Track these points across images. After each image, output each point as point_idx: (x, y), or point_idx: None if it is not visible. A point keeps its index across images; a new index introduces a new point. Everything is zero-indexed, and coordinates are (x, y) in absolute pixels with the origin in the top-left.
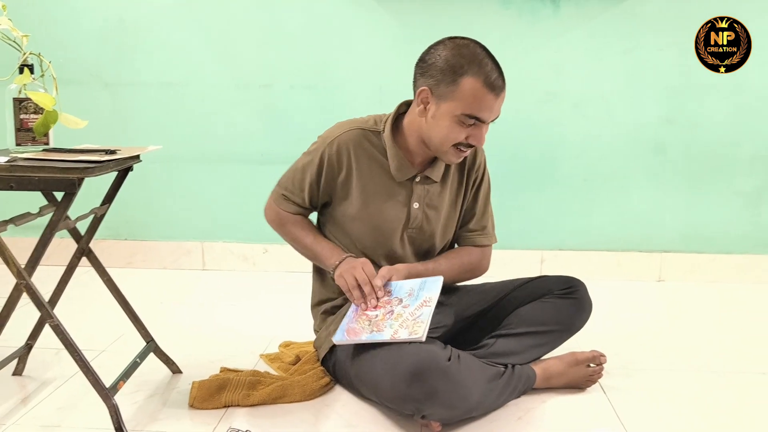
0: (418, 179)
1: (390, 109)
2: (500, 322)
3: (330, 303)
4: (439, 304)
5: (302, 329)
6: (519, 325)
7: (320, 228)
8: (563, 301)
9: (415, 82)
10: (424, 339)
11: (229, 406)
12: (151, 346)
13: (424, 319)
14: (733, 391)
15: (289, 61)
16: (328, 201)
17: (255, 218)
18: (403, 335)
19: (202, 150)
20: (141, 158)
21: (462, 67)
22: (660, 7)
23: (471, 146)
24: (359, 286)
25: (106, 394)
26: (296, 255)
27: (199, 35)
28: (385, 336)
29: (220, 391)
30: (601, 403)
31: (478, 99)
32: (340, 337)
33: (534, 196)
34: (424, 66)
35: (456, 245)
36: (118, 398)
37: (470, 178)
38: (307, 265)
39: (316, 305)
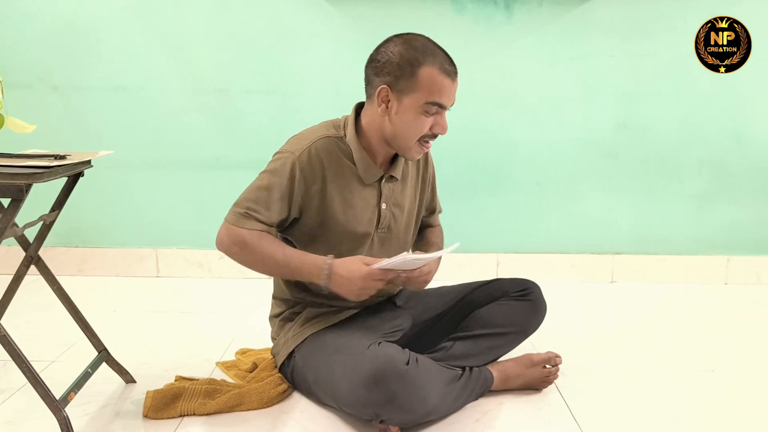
0: (384, 179)
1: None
2: (457, 324)
3: (290, 310)
4: (398, 308)
5: (259, 336)
6: (476, 328)
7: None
8: (519, 304)
9: (369, 83)
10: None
11: (184, 416)
12: (104, 356)
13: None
14: (683, 388)
15: (246, 66)
16: (296, 217)
17: (210, 224)
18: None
19: (156, 155)
20: (92, 163)
21: (417, 59)
22: (610, 14)
23: (434, 137)
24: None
25: (56, 406)
26: None
27: (153, 38)
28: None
29: (176, 401)
30: (556, 404)
31: (438, 85)
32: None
33: (489, 200)
34: (377, 66)
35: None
36: (69, 410)
37: (427, 172)
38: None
39: (275, 315)
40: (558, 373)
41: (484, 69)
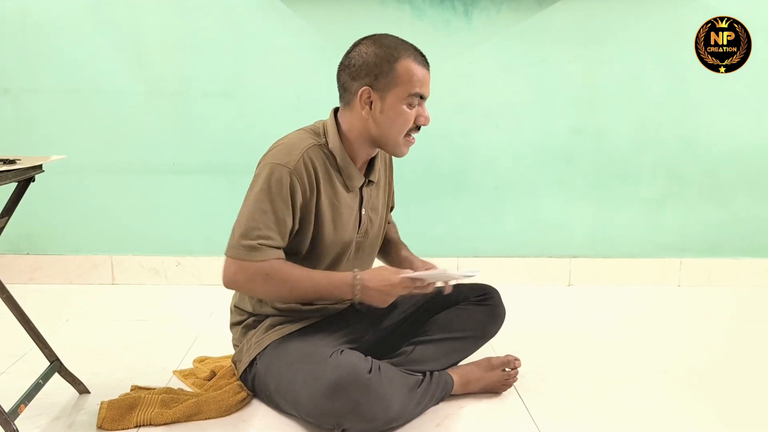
0: (364, 184)
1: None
2: (418, 329)
3: (252, 318)
4: (359, 313)
5: (217, 344)
6: (436, 332)
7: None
8: (478, 308)
9: (346, 89)
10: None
11: (140, 426)
12: (56, 366)
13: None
14: (638, 388)
15: (203, 68)
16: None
17: (167, 229)
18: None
19: (111, 159)
20: (44, 168)
21: (392, 55)
22: (567, 21)
23: (418, 129)
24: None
25: (6, 419)
26: (212, 267)
27: (108, 40)
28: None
29: (131, 411)
30: (516, 406)
31: (417, 76)
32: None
33: (449, 204)
34: (353, 70)
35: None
36: (20, 423)
37: (392, 172)
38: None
39: (237, 323)
40: (517, 376)
41: (444, 74)
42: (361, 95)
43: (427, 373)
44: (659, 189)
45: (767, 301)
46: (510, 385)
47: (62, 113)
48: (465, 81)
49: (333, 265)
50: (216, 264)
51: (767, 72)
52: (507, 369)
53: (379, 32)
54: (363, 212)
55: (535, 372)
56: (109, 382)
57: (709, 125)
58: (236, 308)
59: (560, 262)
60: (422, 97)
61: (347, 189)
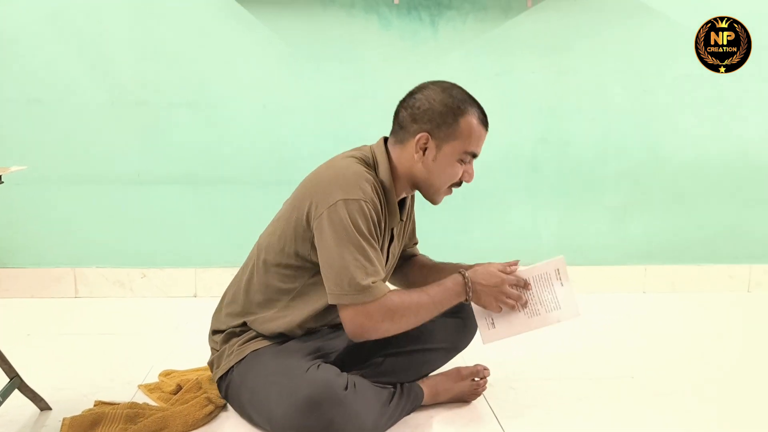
0: (399, 222)
1: (276, 126)
2: (389, 340)
3: (240, 328)
4: (335, 327)
5: (184, 357)
6: (407, 344)
7: (297, 295)
8: (450, 320)
9: (404, 127)
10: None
11: None
12: (16, 382)
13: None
14: (605, 395)
15: (168, 78)
16: None
17: (132, 241)
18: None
19: (75, 170)
20: (2, 179)
21: (459, 108)
22: (532, 31)
23: (460, 184)
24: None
25: None
26: (178, 279)
27: (70, 49)
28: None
29: (95, 427)
30: (485, 415)
31: (476, 136)
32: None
33: (416, 212)
34: (417, 112)
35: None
36: None
37: (413, 211)
38: (189, 289)
39: (219, 330)
40: (486, 385)
41: (411, 84)
42: (419, 139)
43: (398, 386)
44: (624, 197)
45: (730, 307)
46: (479, 394)
47: (23, 123)
48: None
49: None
50: (182, 275)
51: (726, 83)
52: (476, 378)
53: (343, 44)
54: (390, 251)
55: (504, 380)
56: (71, 397)
57: (672, 135)
58: (228, 316)
59: None
60: (474, 156)
61: (387, 225)
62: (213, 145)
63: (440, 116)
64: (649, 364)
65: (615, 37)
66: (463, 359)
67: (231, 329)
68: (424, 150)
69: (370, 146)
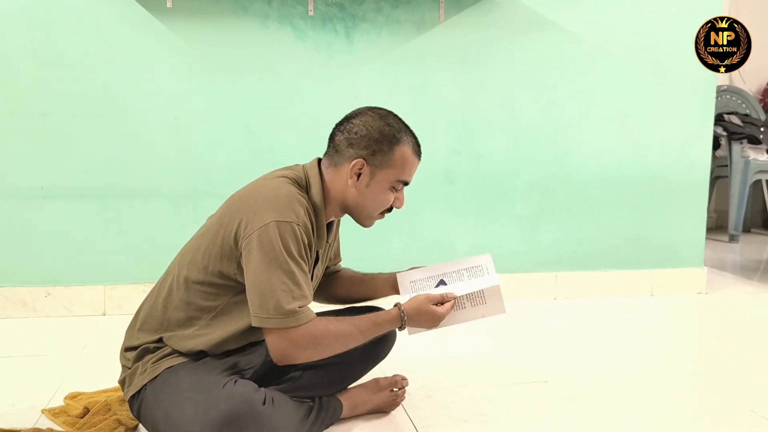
0: (326, 244)
1: (188, 137)
2: None
3: (155, 344)
4: (252, 344)
5: (91, 378)
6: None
7: (219, 314)
8: None
9: (339, 152)
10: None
11: None
12: None
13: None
14: (519, 400)
15: (72, 87)
16: None
17: (35, 258)
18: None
19: None
20: None
21: (395, 137)
22: (444, 46)
23: (390, 210)
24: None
25: None
26: (84, 297)
27: None
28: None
29: None
30: (404, 425)
31: (409, 165)
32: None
33: None
34: (353, 137)
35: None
36: None
37: (338, 233)
38: (97, 308)
39: (134, 347)
40: (405, 395)
41: (327, 95)
42: (354, 165)
43: (317, 399)
44: (534, 207)
45: (635, 311)
46: (398, 404)
47: None
48: (347, 103)
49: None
50: (90, 293)
51: (629, 95)
52: (395, 389)
53: (258, 56)
54: (315, 273)
55: (422, 389)
56: None
57: (578, 146)
58: (142, 332)
59: None
60: (406, 184)
61: (315, 247)
62: (121, 158)
63: (376, 143)
64: (562, 369)
65: (523, 52)
66: (381, 370)
67: (145, 345)
68: (359, 175)
69: (303, 166)
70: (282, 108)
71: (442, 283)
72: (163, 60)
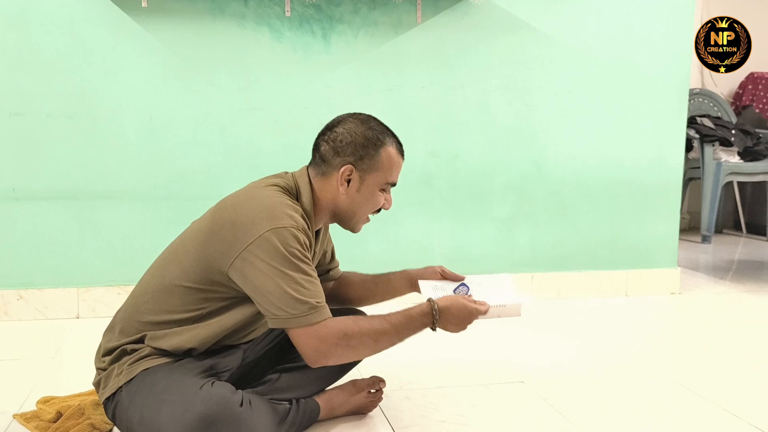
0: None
1: (163, 138)
2: (283, 356)
3: (131, 345)
4: (229, 347)
5: (65, 382)
6: (302, 359)
7: (209, 316)
8: None
9: (326, 161)
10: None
11: None
12: None
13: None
14: (496, 400)
15: (46, 88)
16: None
17: (7, 261)
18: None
19: None
20: None
21: (379, 140)
22: (421, 47)
23: (378, 212)
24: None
25: None
26: (58, 300)
27: None
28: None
29: None
30: (382, 426)
31: (396, 165)
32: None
33: None
34: (339, 145)
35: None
36: None
37: (331, 242)
38: (70, 311)
39: (113, 349)
40: (382, 396)
41: (304, 97)
42: (343, 171)
43: (294, 401)
44: (510, 208)
45: (611, 311)
46: (375, 406)
47: None
48: (324, 104)
49: (250, 326)
50: (63, 296)
51: (604, 98)
52: (372, 390)
53: (236, 55)
54: None
55: (400, 390)
56: None
57: (554, 148)
58: (121, 333)
59: None
60: (393, 185)
61: None
62: (96, 159)
63: (363, 148)
64: (538, 369)
65: (500, 54)
66: (359, 371)
67: (123, 346)
68: (348, 182)
69: (292, 174)
70: (258, 109)
71: (463, 285)
72: (138, 60)
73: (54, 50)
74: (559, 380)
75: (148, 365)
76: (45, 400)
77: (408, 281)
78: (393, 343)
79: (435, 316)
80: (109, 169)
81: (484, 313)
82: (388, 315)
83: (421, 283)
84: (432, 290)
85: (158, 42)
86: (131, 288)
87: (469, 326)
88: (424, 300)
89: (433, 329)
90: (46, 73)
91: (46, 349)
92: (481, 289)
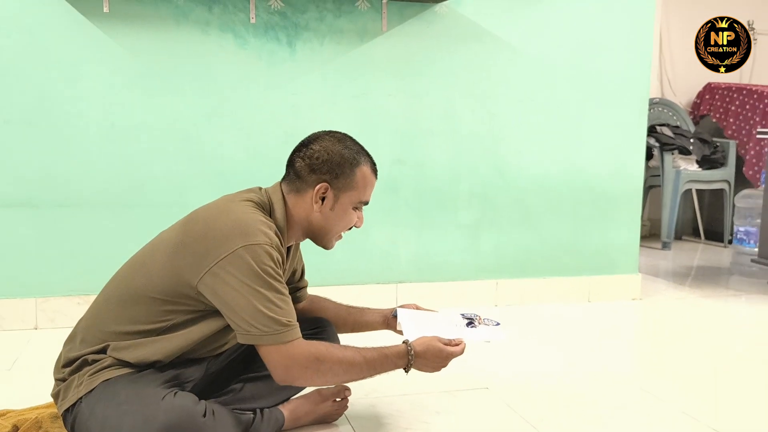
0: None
1: (124, 145)
2: (247, 365)
3: (93, 356)
4: (193, 360)
5: (22, 395)
6: (266, 368)
7: (174, 328)
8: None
9: (300, 177)
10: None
11: None
12: None
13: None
14: (464, 407)
15: (4, 94)
16: None
17: None
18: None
19: None
20: None
21: (354, 159)
22: (386, 55)
23: (350, 229)
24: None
25: None
26: (15, 310)
27: None
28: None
29: None
30: None
31: (370, 185)
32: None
33: None
34: (315, 163)
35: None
36: None
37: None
38: (28, 321)
39: (73, 360)
40: (348, 405)
41: (268, 104)
42: (318, 189)
43: (258, 411)
44: (475, 215)
45: (573, 316)
46: (341, 414)
47: None
48: (290, 111)
49: (217, 340)
50: (20, 306)
51: (566, 106)
52: (337, 399)
53: (199, 62)
54: None
55: (364, 398)
56: None
57: (517, 156)
58: (82, 343)
59: (387, 288)
60: (366, 203)
61: None
62: (55, 166)
63: (339, 167)
64: (503, 375)
65: (464, 62)
66: None
67: (85, 356)
68: (323, 199)
69: (265, 190)
70: (222, 116)
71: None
72: (99, 66)
73: (12, 55)
74: (524, 386)
75: (109, 376)
76: (1, 414)
77: (382, 317)
78: (362, 377)
79: (410, 360)
80: (70, 177)
81: (460, 354)
82: (363, 349)
83: (400, 312)
84: (412, 324)
85: (120, 48)
86: (92, 298)
87: (443, 368)
88: (401, 324)
89: (406, 371)
90: (5, 79)
91: (2, 361)
92: (467, 330)
